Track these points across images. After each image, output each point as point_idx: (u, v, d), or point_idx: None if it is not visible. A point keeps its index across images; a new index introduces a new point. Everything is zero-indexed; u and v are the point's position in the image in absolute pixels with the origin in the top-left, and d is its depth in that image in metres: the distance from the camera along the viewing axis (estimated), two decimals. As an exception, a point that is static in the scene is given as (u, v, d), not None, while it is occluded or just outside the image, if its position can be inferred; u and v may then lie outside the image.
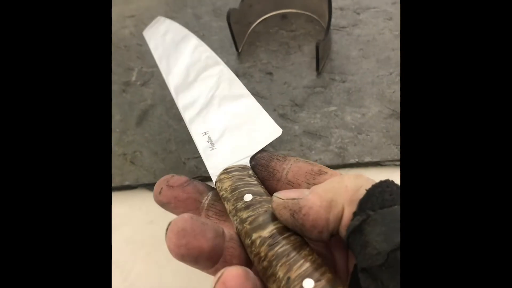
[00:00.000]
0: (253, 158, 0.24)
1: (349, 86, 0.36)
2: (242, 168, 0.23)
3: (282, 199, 0.19)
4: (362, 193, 0.17)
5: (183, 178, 0.24)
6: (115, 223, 0.33)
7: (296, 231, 0.19)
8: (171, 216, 0.33)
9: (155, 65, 0.42)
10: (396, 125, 0.34)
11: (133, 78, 0.41)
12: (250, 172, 0.23)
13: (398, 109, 0.35)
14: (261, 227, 0.19)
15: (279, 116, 0.35)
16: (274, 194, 0.20)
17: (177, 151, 0.35)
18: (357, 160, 0.32)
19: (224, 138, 0.26)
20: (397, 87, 0.36)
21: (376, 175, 0.33)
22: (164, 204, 0.23)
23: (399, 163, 0.32)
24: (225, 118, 0.27)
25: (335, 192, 0.18)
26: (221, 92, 0.29)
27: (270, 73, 0.39)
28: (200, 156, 0.35)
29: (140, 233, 0.32)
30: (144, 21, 0.47)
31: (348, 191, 0.18)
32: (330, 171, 0.22)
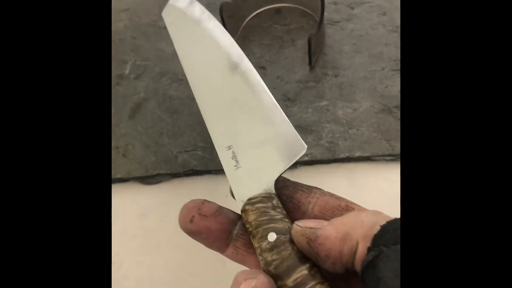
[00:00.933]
0: (276, 182, 0.23)
1: (341, 81, 0.37)
2: (266, 198, 0.22)
3: (301, 227, 0.20)
4: (377, 229, 0.18)
5: (214, 206, 0.22)
6: (107, 215, 0.33)
7: (312, 260, 0.19)
8: (163, 210, 0.34)
9: (148, 59, 0.42)
10: (387, 120, 0.34)
11: (127, 71, 0.41)
12: (275, 202, 0.22)
13: (390, 104, 0.35)
14: (286, 274, 0.19)
15: (271, 110, 0.36)
16: (295, 222, 0.20)
17: (169, 144, 0.35)
18: (347, 154, 0.33)
19: (249, 154, 0.24)
20: (389, 82, 0.36)
21: (367, 170, 0.33)
22: (193, 233, 0.22)
23: (389, 158, 0.33)
24: (248, 129, 0.25)
25: (351, 226, 0.18)
26: None
27: (263, 67, 0.39)
28: (191, 150, 0.35)
29: (131, 226, 0.33)
30: (139, 14, 0.47)
31: (364, 226, 0.18)
32: (357, 206, 0.22)
